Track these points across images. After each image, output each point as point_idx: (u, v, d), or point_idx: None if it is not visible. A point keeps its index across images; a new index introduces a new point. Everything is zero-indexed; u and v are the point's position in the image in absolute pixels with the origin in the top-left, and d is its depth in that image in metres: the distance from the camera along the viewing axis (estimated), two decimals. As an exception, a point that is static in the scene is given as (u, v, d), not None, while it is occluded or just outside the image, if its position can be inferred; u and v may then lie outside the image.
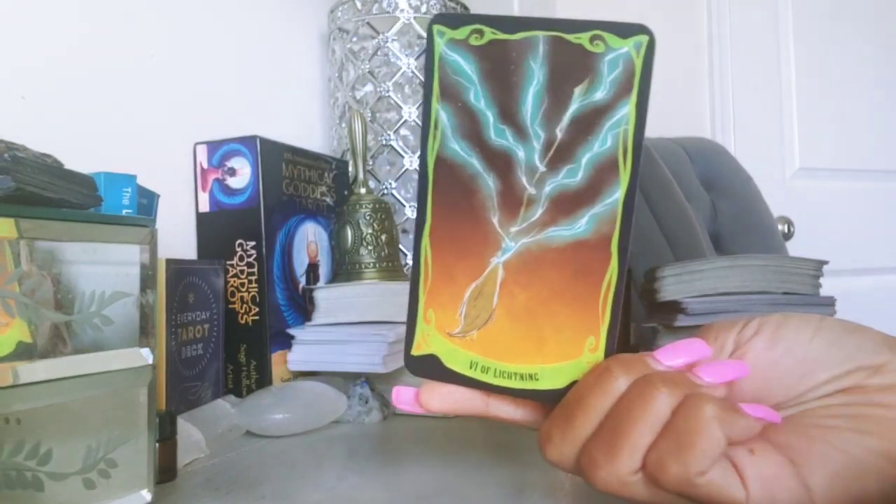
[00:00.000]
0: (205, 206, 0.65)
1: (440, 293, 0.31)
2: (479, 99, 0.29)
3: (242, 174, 0.63)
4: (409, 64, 0.79)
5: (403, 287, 0.63)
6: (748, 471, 0.27)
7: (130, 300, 0.34)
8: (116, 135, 0.60)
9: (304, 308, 0.66)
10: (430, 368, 0.31)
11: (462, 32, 0.29)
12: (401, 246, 0.77)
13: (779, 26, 1.87)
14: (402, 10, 0.79)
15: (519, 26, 0.28)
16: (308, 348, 0.62)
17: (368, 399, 0.56)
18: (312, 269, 0.70)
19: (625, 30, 0.28)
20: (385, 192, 0.79)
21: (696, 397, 0.27)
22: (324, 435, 0.52)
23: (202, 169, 0.65)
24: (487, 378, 0.30)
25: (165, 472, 0.40)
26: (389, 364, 0.57)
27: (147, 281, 0.35)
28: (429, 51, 0.30)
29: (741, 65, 1.86)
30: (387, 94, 0.79)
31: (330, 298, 0.63)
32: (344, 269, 0.70)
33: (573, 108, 0.28)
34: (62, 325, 0.30)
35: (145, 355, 0.34)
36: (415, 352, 0.31)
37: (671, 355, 0.29)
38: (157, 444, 0.36)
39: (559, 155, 0.28)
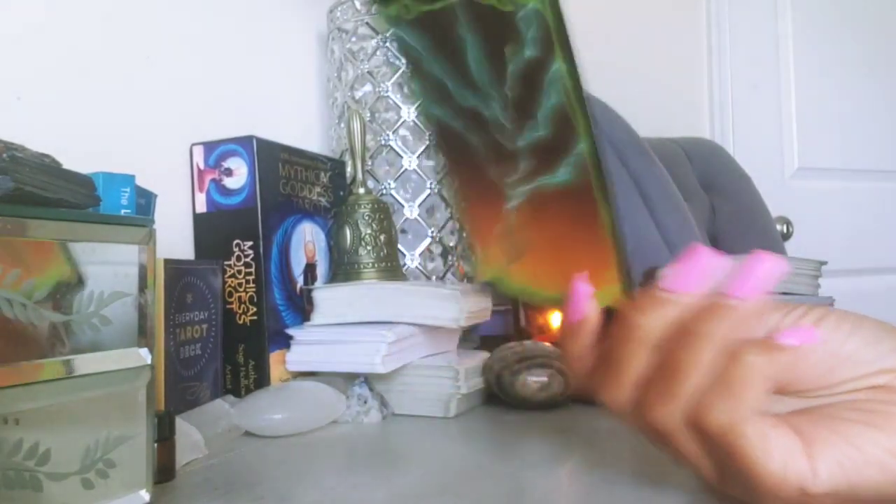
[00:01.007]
0: (202, 207, 0.65)
1: (481, 232, 0.34)
2: (433, 68, 0.30)
3: (239, 174, 0.63)
4: (408, 64, 0.79)
5: (403, 287, 0.63)
6: (771, 441, 0.29)
7: (129, 300, 0.34)
8: (114, 135, 0.60)
9: (302, 308, 0.66)
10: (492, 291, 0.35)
11: (393, 9, 0.30)
12: (399, 246, 0.77)
13: (778, 27, 1.87)
14: (400, 11, 0.79)
15: None
16: (306, 348, 0.62)
17: (367, 399, 0.56)
18: (310, 269, 0.70)
19: None
20: (384, 192, 0.79)
21: (742, 350, 0.29)
22: (322, 435, 0.52)
23: (199, 169, 0.65)
24: (537, 300, 0.35)
25: (164, 472, 0.40)
26: (388, 364, 0.57)
27: (145, 281, 0.35)
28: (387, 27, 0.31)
29: (740, 65, 1.87)
30: (386, 94, 0.79)
31: (329, 298, 0.63)
32: (343, 269, 0.70)
33: (511, 68, 0.28)
34: (60, 325, 0.30)
35: (144, 355, 0.34)
36: (479, 278, 0.37)
37: (678, 281, 0.30)
38: (155, 444, 0.36)
39: (518, 113, 0.29)
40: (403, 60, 0.31)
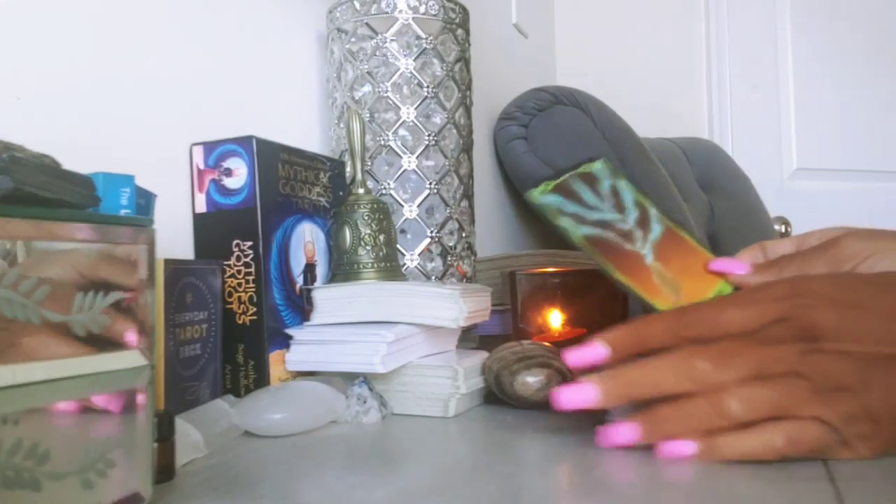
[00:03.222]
0: (202, 207, 0.65)
1: (651, 292, 0.50)
2: (571, 207, 0.53)
3: (239, 175, 0.63)
4: (407, 64, 0.79)
5: (402, 287, 0.63)
6: None
7: (129, 300, 0.34)
8: (114, 135, 0.60)
9: (301, 308, 0.66)
10: None
11: (540, 188, 0.53)
12: (399, 246, 0.77)
13: (776, 27, 1.87)
14: (400, 11, 0.79)
15: (558, 175, 0.54)
16: (306, 348, 0.62)
17: (367, 399, 0.56)
18: (310, 269, 0.70)
19: (586, 161, 0.55)
20: (384, 192, 0.79)
21: None
22: (322, 435, 0.52)
23: (199, 170, 0.65)
24: None
25: (163, 471, 0.40)
26: (388, 364, 0.57)
27: (145, 281, 0.35)
28: (536, 204, 0.53)
29: (739, 66, 1.87)
30: (385, 95, 0.79)
31: (328, 298, 0.63)
32: (342, 270, 0.70)
33: (605, 192, 0.54)
34: (60, 325, 0.30)
35: (144, 355, 0.34)
36: None
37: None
38: (155, 444, 0.36)
39: (619, 209, 0.54)
40: (551, 217, 0.52)
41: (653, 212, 0.53)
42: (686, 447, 0.40)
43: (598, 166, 0.54)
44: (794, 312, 0.40)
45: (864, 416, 0.39)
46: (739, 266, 0.50)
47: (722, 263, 0.51)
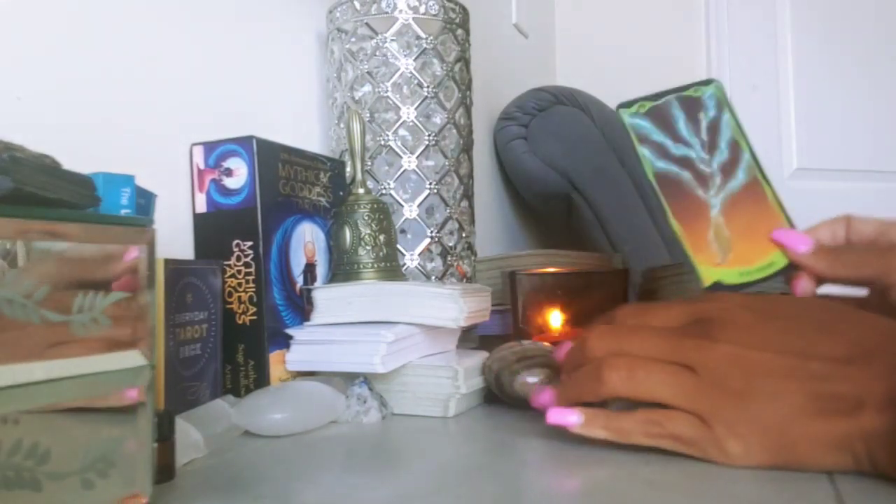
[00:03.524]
0: (202, 207, 0.65)
1: (697, 246, 0.49)
2: (658, 136, 0.51)
3: (239, 175, 0.63)
4: (407, 64, 0.79)
5: (402, 287, 0.63)
6: None
7: (129, 300, 0.34)
8: (114, 135, 0.60)
9: (301, 308, 0.66)
10: (722, 289, 0.48)
11: (633, 108, 0.51)
12: (399, 246, 0.77)
13: (777, 27, 1.87)
14: (400, 11, 0.79)
15: (659, 97, 0.51)
16: (306, 348, 0.62)
17: (367, 399, 0.56)
18: (310, 269, 0.70)
19: (700, 83, 0.52)
20: (384, 192, 0.79)
21: None
22: (322, 435, 0.52)
23: (199, 170, 0.65)
24: (752, 277, 0.48)
25: (164, 471, 0.40)
26: (387, 364, 0.57)
27: (145, 281, 0.35)
28: (622, 123, 0.51)
29: (739, 65, 1.87)
30: (385, 95, 0.79)
31: (329, 298, 0.64)
32: (342, 270, 0.70)
33: (703, 124, 0.51)
34: (61, 325, 0.30)
35: (144, 355, 0.34)
36: (706, 284, 0.48)
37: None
38: (155, 444, 0.36)
39: (711, 148, 0.50)
40: (633, 140, 0.50)
41: (745, 157, 0.50)
42: (571, 416, 0.43)
43: (709, 91, 0.51)
44: (710, 314, 0.42)
45: (742, 421, 0.39)
46: (802, 242, 0.48)
47: (784, 235, 0.48)
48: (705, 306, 0.43)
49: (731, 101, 0.51)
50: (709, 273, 0.48)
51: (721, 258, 0.48)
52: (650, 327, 0.44)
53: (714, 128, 0.50)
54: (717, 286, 0.47)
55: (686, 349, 0.41)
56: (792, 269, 0.47)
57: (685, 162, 0.50)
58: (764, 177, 0.50)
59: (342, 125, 0.81)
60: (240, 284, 0.62)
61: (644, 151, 0.50)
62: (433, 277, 0.80)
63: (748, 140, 0.50)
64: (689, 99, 0.51)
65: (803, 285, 0.48)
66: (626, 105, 0.51)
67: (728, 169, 0.50)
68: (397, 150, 0.79)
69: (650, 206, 1.29)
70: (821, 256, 0.47)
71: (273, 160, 0.65)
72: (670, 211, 0.49)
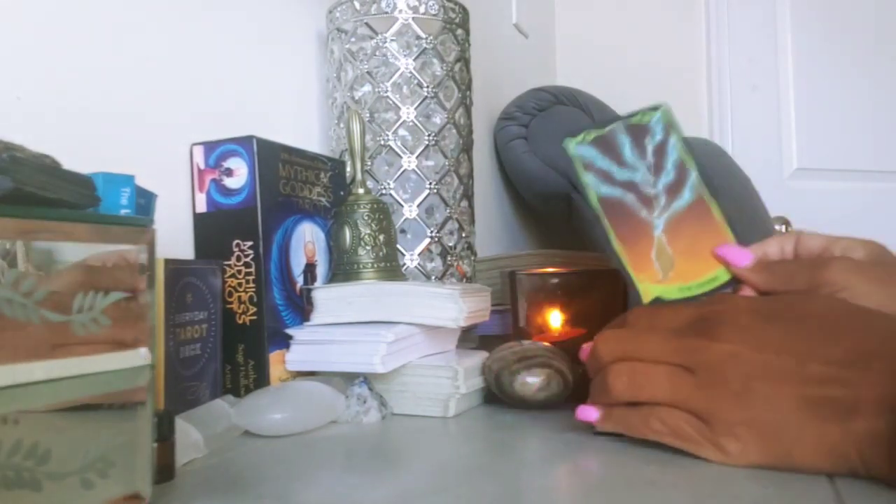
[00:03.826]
0: (202, 207, 0.65)
1: (638, 266, 0.50)
2: (603, 163, 0.51)
3: (239, 174, 0.63)
4: (407, 64, 0.79)
5: (402, 287, 0.63)
6: None
7: (129, 300, 0.34)
8: (114, 135, 0.60)
9: (301, 308, 0.66)
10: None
11: (578, 138, 0.52)
12: (399, 246, 0.77)
13: (777, 27, 1.87)
14: (400, 11, 0.79)
15: (604, 125, 0.52)
16: (306, 348, 0.62)
17: (367, 399, 0.56)
18: (310, 269, 0.70)
19: (648, 109, 0.52)
20: (384, 192, 0.79)
21: None
22: (322, 435, 0.52)
23: (199, 170, 0.65)
24: (693, 292, 0.49)
25: (163, 471, 0.40)
26: (387, 364, 0.57)
27: (145, 281, 0.35)
28: (568, 153, 0.52)
29: (739, 66, 1.87)
30: (385, 95, 0.79)
31: (328, 298, 0.64)
32: (342, 269, 0.70)
33: (649, 148, 0.51)
34: (61, 325, 0.30)
35: (144, 355, 0.34)
36: (645, 301, 0.49)
37: None
38: (155, 444, 0.36)
39: (656, 170, 0.51)
40: (578, 169, 0.52)
41: (692, 177, 0.51)
42: (592, 413, 0.46)
43: (656, 116, 0.52)
44: (713, 315, 0.43)
45: (739, 422, 0.40)
46: (743, 257, 0.49)
47: (727, 251, 0.49)
48: (712, 308, 0.44)
49: (678, 124, 0.52)
50: (648, 290, 0.49)
51: (662, 276, 0.49)
52: (654, 330, 0.45)
53: (660, 150, 0.51)
54: (657, 301, 0.49)
55: (686, 350, 0.42)
56: (735, 283, 0.49)
57: (629, 185, 0.51)
58: (712, 195, 0.51)
59: (342, 125, 0.81)
60: (240, 284, 0.62)
61: (588, 179, 0.51)
62: (433, 277, 0.80)
63: (696, 160, 0.51)
64: (636, 126, 0.52)
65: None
66: (572, 136, 0.52)
67: (674, 189, 0.51)
68: (397, 150, 0.79)
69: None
70: (757, 270, 0.48)
71: (273, 160, 0.65)
72: (613, 234, 0.50)
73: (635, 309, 0.48)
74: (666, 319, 0.45)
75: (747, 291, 0.48)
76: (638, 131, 0.52)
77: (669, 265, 0.50)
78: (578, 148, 0.52)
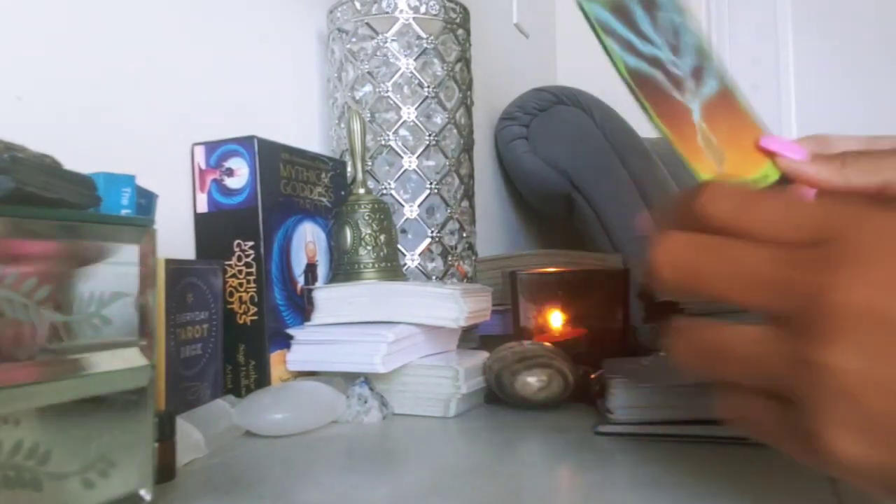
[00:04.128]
0: (203, 207, 0.65)
1: (691, 154, 0.42)
2: (623, 31, 0.43)
3: (240, 175, 0.63)
4: (408, 64, 0.79)
5: (403, 287, 0.63)
6: None
7: (129, 300, 0.34)
8: (114, 135, 0.60)
9: (302, 308, 0.66)
10: None
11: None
12: (399, 246, 0.77)
13: (777, 27, 1.87)
14: (401, 11, 0.79)
15: None
16: (307, 348, 0.62)
17: (367, 399, 0.56)
18: (311, 269, 0.70)
19: None
20: (384, 192, 0.79)
21: None
22: (322, 435, 0.52)
23: (200, 170, 0.65)
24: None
25: (164, 471, 0.41)
26: (388, 364, 0.57)
27: (146, 281, 0.35)
28: (582, 12, 0.44)
29: (740, 66, 1.87)
30: (386, 95, 0.79)
31: (329, 298, 0.64)
32: (343, 270, 0.70)
33: (666, 27, 0.44)
34: (61, 325, 0.31)
35: (144, 355, 0.34)
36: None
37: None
38: (155, 444, 0.36)
39: (675, 52, 0.44)
40: (597, 32, 0.44)
41: (713, 64, 0.44)
42: (797, 153, 0.40)
43: None
44: (838, 231, 0.26)
45: (852, 404, 0.24)
46: (796, 150, 0.40)
47: (776, 142, 0.41)
48: (836, 214, 0.27)
49: (688, 11, 0.45)
50: (707, 174, 0.42)
51: (718, 167, 0.42)
52: (744, 244, 0.28)
53: (675, 31, 0.44)
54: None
55: (797, 285, 0.26)
56: (783, 183, 0.41)
57: (655, 62, 0.43)
58: (733, 85, 0.45)
59: (343, 125, 0.81)
60: (241, 284, 0.62)
61: (611, 45, 0.43)
62: (434, 277, 0.80)
63: (712, 48, 0.45)
64: None
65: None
66: None
67: (698, 74, 0.44)
68: (398, 150, 0.79)
69: (651, 206, 1.28)
70: (823, 162, 0.38)
71: (274, 160, 0.65)
72: (654, 111, 0.42)
73: (712, 184, 0.30)
74: (767, 216, 0.28)
75: (803, 191, 0.39)
76: (649, 4, 0.45)
77: (721, 156, 0.42)
78: (593, 7, 0.43)
